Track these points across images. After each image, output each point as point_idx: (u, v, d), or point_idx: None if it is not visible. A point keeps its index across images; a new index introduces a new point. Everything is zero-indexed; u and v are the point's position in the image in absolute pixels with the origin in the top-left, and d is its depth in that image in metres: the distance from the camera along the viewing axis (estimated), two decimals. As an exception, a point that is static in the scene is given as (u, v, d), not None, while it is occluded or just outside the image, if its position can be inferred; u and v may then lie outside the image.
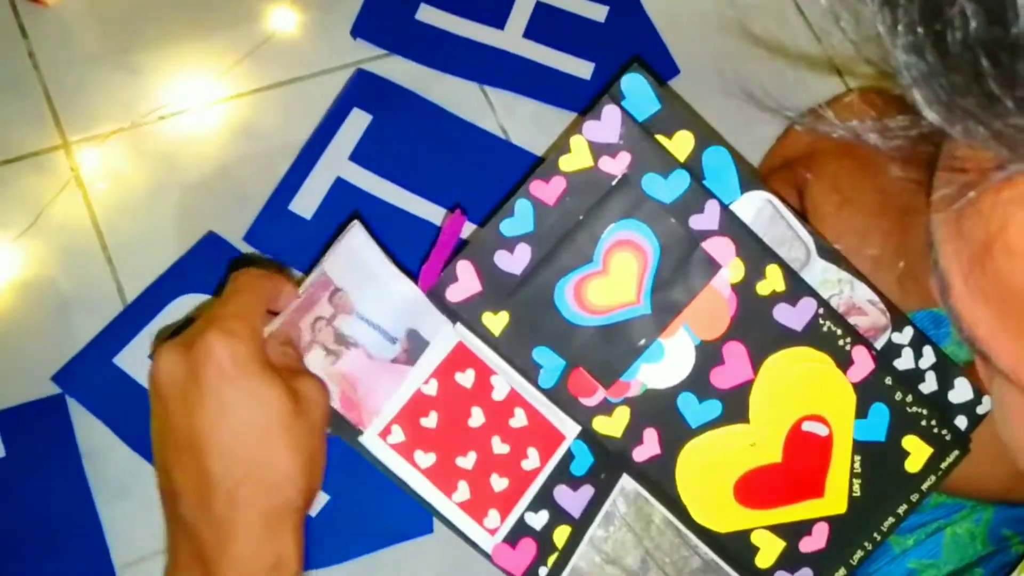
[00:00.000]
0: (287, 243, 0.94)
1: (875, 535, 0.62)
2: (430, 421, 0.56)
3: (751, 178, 0.59)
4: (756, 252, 0.59)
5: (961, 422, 0.62)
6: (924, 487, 0.62)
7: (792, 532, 0.61)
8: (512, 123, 1.04)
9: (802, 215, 0.61)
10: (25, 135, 0.95)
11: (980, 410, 0.62)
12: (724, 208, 0.58)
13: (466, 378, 0.57)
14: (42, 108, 0.96)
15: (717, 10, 1.06)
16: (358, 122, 1.00)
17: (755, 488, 0.61)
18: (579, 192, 0.57)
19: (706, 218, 0.58)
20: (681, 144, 0.58)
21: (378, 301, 0.54)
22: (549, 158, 0.57)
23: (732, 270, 0.58)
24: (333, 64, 1.03)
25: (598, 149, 0.56)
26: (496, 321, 0.57)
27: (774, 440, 0.61)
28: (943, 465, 0.62)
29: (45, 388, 0.87)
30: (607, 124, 0.56)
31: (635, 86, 0.57)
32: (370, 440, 0.55)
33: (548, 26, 1.07)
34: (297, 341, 0.52)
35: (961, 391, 0.62)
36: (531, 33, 1.07)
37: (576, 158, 0.56)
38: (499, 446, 0.57)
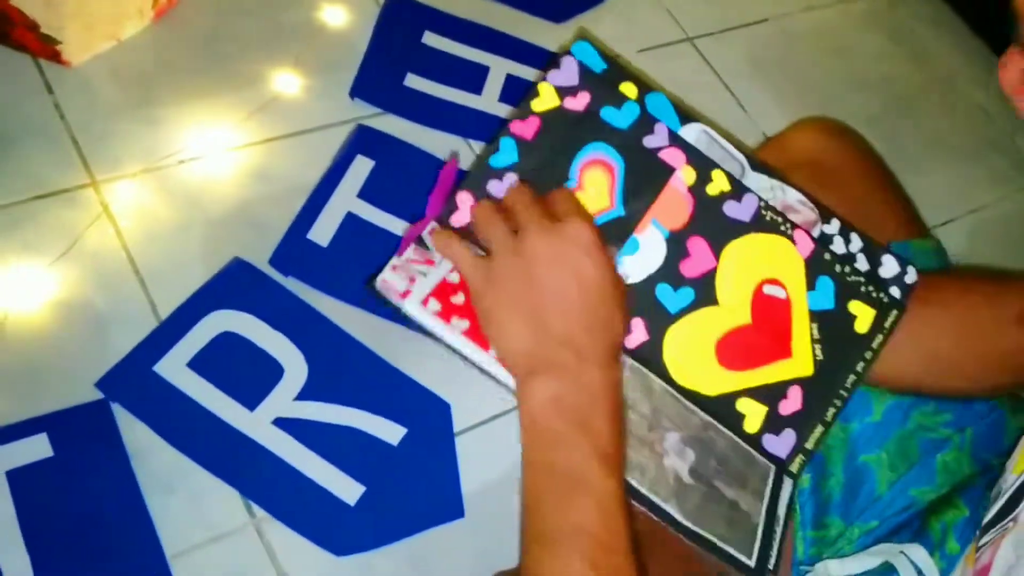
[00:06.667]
0: (308, 266, 1.03)
1: (842, 392, 0.70)
2: (458, 299, 0.65)
3: (687, 114, 0.72)
4: (702, 160, 0.70)
5: (895, 292, 0.72)
6: (874, 345, 0.71)
7: (771, 396, 0.69)
8: (497, 170, 1.16)
9: (732, 137, 0.73)
10: (55, 175, 1.01)
11: (908, 279, 0.72)
12: (671, 130, 0.71)
13: None
14: (70, 152, 1.03)
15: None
16: (363, 166, 1.11)
17: (733, 349, 0.70)
18: (551, 126, 0.68)
19: (657, 137, 0.70)
20: (626, 92, 0.71)
21: None
22: (522, 103, 0.69)
23: (685, 174, 0.69)
24: (335, 120, 1.15)
25: (562, 91, 0.68)
26: None
27: (742, 304, 0.70)
28: (887, 324, 0.71)
29: (89, 395, 0.91)
30: (566, 71, 0.69)
31: (583, 51, 0.71)
32: (413, 308, 0.64)
33: (520, 93, 1.21)
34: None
35: (889, 267, 0.72)
36: (505, 98, 1.21)
37: (544, 100, 0.68)
38: None
